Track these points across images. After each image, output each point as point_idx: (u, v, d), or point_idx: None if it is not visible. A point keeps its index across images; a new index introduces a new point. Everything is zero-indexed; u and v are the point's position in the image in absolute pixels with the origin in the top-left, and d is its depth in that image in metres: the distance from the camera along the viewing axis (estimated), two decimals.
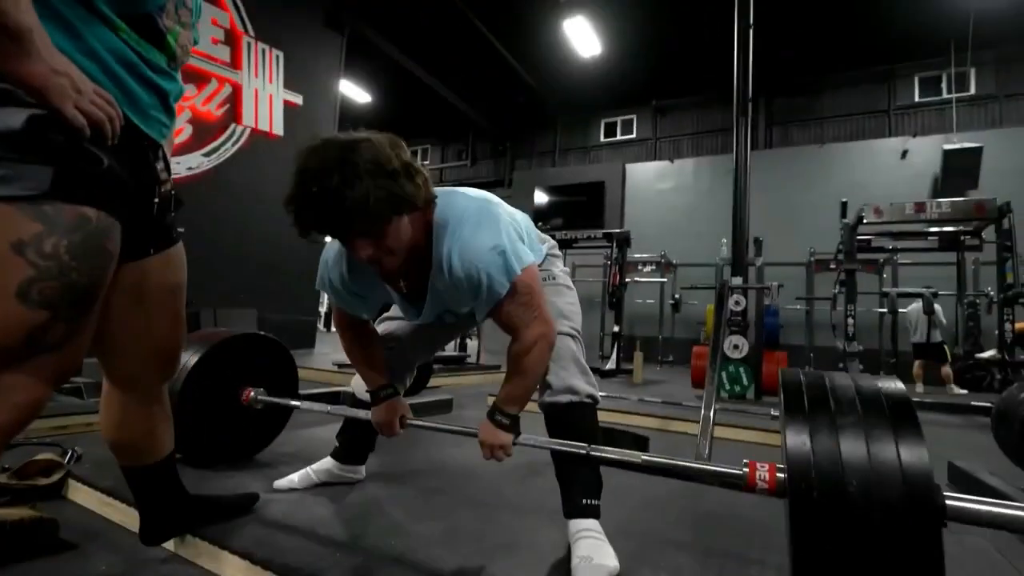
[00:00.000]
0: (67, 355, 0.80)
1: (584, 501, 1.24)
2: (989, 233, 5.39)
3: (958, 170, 8.05)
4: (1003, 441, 2.04)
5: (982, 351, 6.48)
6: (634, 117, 12.28)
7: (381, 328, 1.58)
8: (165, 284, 1.01)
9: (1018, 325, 4.95)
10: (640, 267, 9.49)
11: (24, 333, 0.74)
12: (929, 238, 6.23)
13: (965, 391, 6.09)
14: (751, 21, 5.35)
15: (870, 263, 7.86)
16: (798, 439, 0.79)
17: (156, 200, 0.93)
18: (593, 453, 1.15)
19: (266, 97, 7.30)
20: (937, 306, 6.36)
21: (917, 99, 9.85)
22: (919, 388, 6.27)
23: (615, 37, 9.28)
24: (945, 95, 9.38)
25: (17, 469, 1.52)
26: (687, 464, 1.09)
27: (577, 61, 9.78)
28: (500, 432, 1.21)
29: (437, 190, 1.19)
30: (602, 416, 1.35)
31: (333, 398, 2.83)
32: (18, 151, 0.71)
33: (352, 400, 1.64)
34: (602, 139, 12.68)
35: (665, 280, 9.67)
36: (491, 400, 1.28)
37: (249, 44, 7.10)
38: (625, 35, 9.31)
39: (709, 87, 10.22)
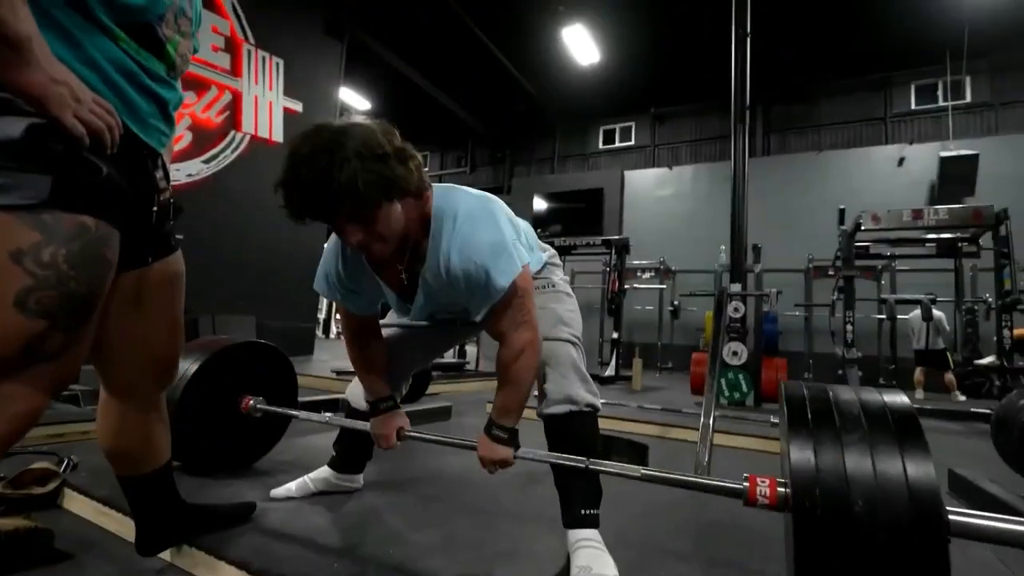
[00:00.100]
0: (65, 364, 0.80)
1: (583, 512, 1.23)
2: (986, 240, 5.41)
3: (955, 177, 8.09)
4: (1002, 448, 2.04)
5: (981, 357, 6.49)
6: (633, 124, 12.34)
7: None
8: (163, 292, 1.01)
9: (1016, 331, 4.95)
10: (639, 274, 9.49)
11: (22, 342, 0.73)
12: (927, 245, 6.25)
13: (964, 398, 6.09)
14: (748, 30, 5.39)
15: (868, 270, 7.88)
16: (802, 455, 0.77)
17: (155, 208, 0.93)
18: (592, 467, 1.14)
19: (266, 104, 7.33)
20: (940, 313, 6.37)
21: (913, 107, 9.91)
22: (919, 395, 6.26)
23: (613, 45, 9.35)
24: (941, 103, 9.44)
25: (12, 478, 1.50)
26: (687, 478, 1.08)
27: (576, 69, 9.84)
28: (499, 447, 1.20)
29: (436, 186, 1.20)
30: (602, 423, 1.35)
31: (332, 405, 2.83)
32: (17, 160, 0.71)
33: (348, 409, 1.64)
34: (601, 146, 12.73)
35: (664, 287, 9.67)
36: (490, 407, 1.27)
37: (249, 51, 7.13)
38: (623, 43, 9.37)
39: (707, 95, 10.28)
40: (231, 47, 6.94)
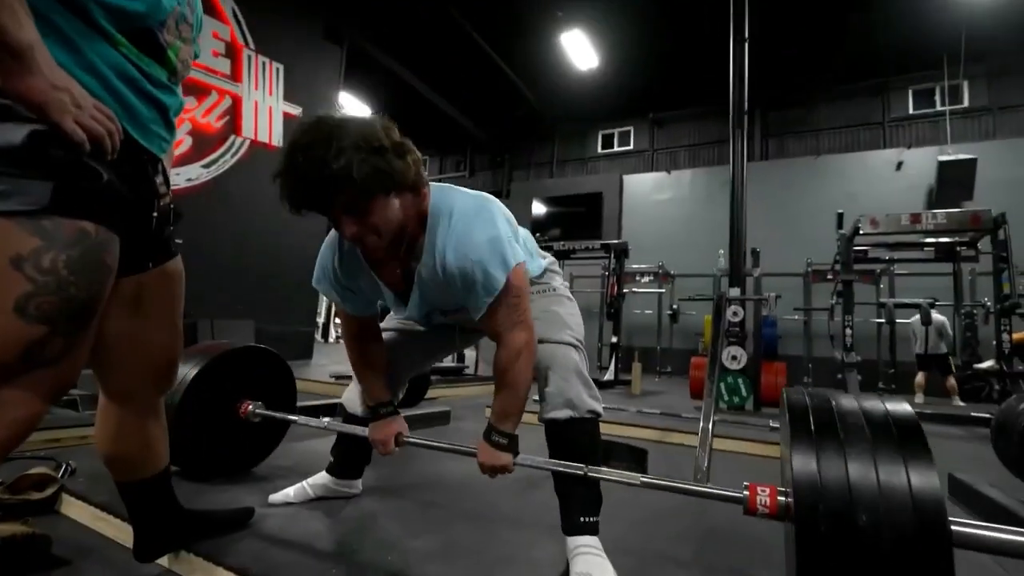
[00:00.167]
0: (64, 370, 0.80)
1: (583, 519, 1.23)
2: (985, 244, 5.42)
3: (953, 181, 8.12)
4: (1002, 452, 2.04)
5: (980, 361, 6.49)
6: (631, 129, 12.37)
7: None
8: (163, 297, 1.01)
9: (1016, 335, 4.95)
10: (638, 278, 9.50)
11: (22, 348, 0.73)
12: (925, 249, 6.26)
13: (963, 403, 6.09)
14: (746, 35, 5.42)
15: (867, 274, 7.89)
16: (804, 464, 0.76)
17: (155, 214, 0.94)
18: (591, 474, 1.13)
19: (266, 109, 7.34)
20: (943, 317, 6.37)
21: (911, 111, 9.94)
22: (919, 399, 6.27)
23: (612, 50, 9.38)
24: (939, 107, 9.48)
25: (10, 483, 1.50)
26: (686, 486, 1.08)
27: (575, 74, 9.88)
28: (499, 453, 1.20)
29: (434, 185, 1.20)
30: (601, 428, 1.34)
31: (330, 410, 2.81)
32: (18, 166, 0.71)
33: (344, 414, 1.63)
34: (599, 150, 12.76)
35: (663, 291, 9.68)
36: (489, 412, 1.27)
37: (249, 57, 7.15)
38: (622, 48, 9.41)
39: (705, 99, 10.31)
40: (231, 52, 6.96)
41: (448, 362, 6.18)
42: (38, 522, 1.32)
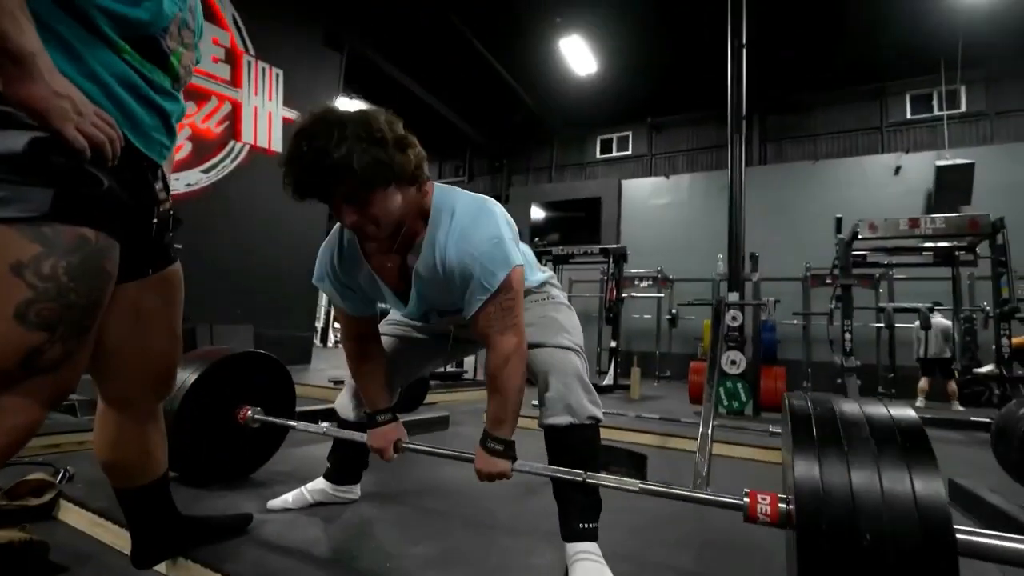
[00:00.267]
0: (64, 376, 0.80)
1: (582, 525, 1.22)
2: (983, 248, 5.43)
3: (951, 186, 8.13)
4: (1003, 457, 2.03)
5: (980, 366, 6.49)
6: (630, 134, 12.40)
7: None
8: (162, 303, 1.01)
9: (1015, 340, 4.95)
10: (637, 282, 9.51)
11: (21, 355, 0.73)
12: (924, 253, 6.27)
13: (962, 408, 6.09)
14: (744, 40, 5.44)
15: (866, 278, 7.89)
16: (806, 471, 0.75)
17: (155, 220, 0.94)
18: (590, 481, 1.13)
19: (265, 114, 7.36)
20: (946, 321, 6.37)
21: (909, 116, 9.98)
22: (919, 403, 6.28)
23: (610, 56, 9.42)
24: (936, 112, 9.51)
25: (8, 489, 1.49)
26: (686, 493, 1.07)
27: (573, 79, 9.92)
28: (495, 460, 1.19)
29: (438, 185, 1.21)
30: (600, 433, 1.34)
31: (329, 415, 2.81)
32: (19, 173, 0.71)
33: (338, 420, 1.63)
34: (598, 155, 12.79)
35: (662, 295, 9.68)
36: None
37: (249, 63, 7.18)
38: (620, 54, 9.45)
39: (703, 104, 10.36)
40: (231, 58, 6.98)
41: (447, 367, 6.17)
42: (36, 528, 1.31)
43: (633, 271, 9.15)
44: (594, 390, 1.30)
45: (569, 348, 1.29)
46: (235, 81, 7.01)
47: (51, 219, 0.73)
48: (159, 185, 0.95)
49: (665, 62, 9.71)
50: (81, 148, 0.73)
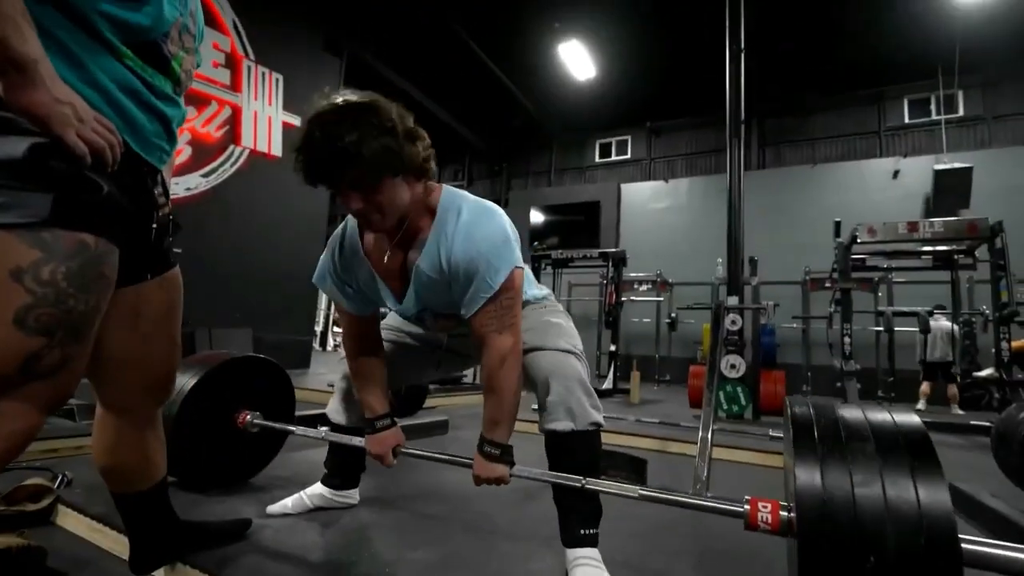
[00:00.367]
0: (62, 382, 0.79)
1: (583, 531, 1.22)
2: (982, 252, 5.43)
3: (949, 190, 8.15)
4: (1003, 462, 2.03)
5: (979, 369, 6.48)
6: (629, 138, 12.43)
7: None
8: (162, 308, 1.01)
9: (1015, 343, 4.95)
10: (636, 286, 9.50)
11: (20, 360, 0.73)
12: (923, 257, 6.27)
13: (962, 412, 6.08)
14: (742, 45, 5.46)
15: (865, 282, 7.89)
16: (808, 479, 0.73)
17: (154, 225, 0.94)
18: (588, 486, 1.12)
19: (265, 119, 7.38)
20: (947, 323, 6.37)
21: (907, 120, 10.01)
22: (920, 405, 6.28)
23: (609, 60, 9.45)
24: (934, 116, 9.55)
25: (6, 494, 1.49)
26: (686, 499, 1.07)
27: (572, 83, 9.94)
28: (493, 465, 1.19)
29: (445, 186, 1.23)
30: (601, 438, 1.34)
31: (328, 420, 2.80)
32: (19, 179, 0.71)
33: (331, 425, 1.63)
34: (597, 159, 12.81)
35: (661, 299, 9.68)
36: None
37: (249, 67, 7.20)
38: (619, 58, 9.48)
39: (702, 109, 10.37)
40: (231, 63, 7.00)
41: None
42: (34, 534, 1.31)
43: (632, 275, 9.15)
44: (595, 394, 1.29)
45: (570, 351, 1.28)
46: (235, 86, 7.02)
47: (51, 225, 0.73)
48: (159, 190, 0.95)
49: (664, 67, 9.75)
50: (82, 154, 0.73)
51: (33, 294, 0.73)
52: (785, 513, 0.88)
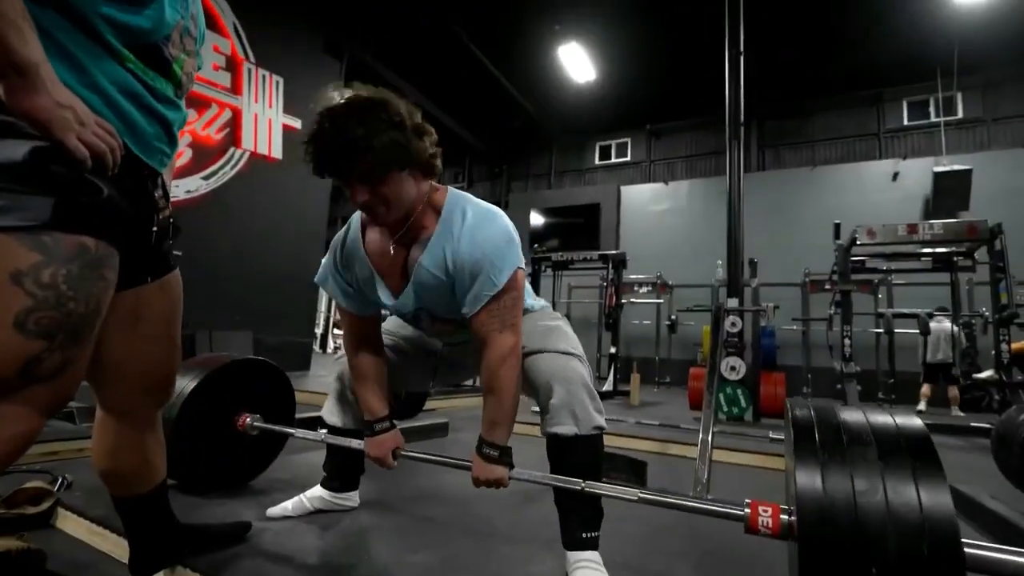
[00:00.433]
0: (62, 384, 0.79)
1: (584, 534, 1.21)
2: (982, 254, 5.43)
3: (949, 192, 8.16)
4: (1003, 464, 2.03)
5: (979, 371, 6.48)
6: (628, 140, 12.45)
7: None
8: (161, 311, 1.01)
9: (1014, 345, 4.95)
10: (636, 288, 9.51)
11: (20, 363, 0.73)
12: (922, 259, 6.28)
13: (962, 413, 6.08)
14: (742, 48, 5.48)
15: (865, 284, 7.89)
16: (809, 482, 0.73)
17: (154, 228, 0.94)
18: (588, 489, 1.12)
19: (265, 121, 7.38)
20: (948, 325, 6.37)
21: (906, 122, 10.03)
22: (921, 406, 6.28)
23: (609, 63, 9.47)
24: (933, 118, 9.56)
25: (5, 498, 1.49)
26: (685, 502, 1.06)
27: (572, 86, 9.96)
28: (493, 466, 1.19)
29: (450, 188, 1.25)
30: (604, 442, 1.33)
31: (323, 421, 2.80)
32: (20, 182, 0.71)
33: (327, 427, 1.63)
34: (597, 162, 12.83)
35: (661, 301, 9.68)
36: None
37: (250, 70, 7.21)
38: (619, 61, 9.50)
39: (702, 111, 10.39)
40: (232, 66, 7.01)
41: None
42: (33, 537, 1.31)
43: (632, 277, 9.15)
44: (598, 397, 1.28)
45: (572, 354, 1.28)
46: (235, 88, 7.03)
47: (51, 228, 0.73)
48: (159, 193, 0.95)
49: (663, 69, 9.76)
50: (82, 158, 0.73)
51: (33, 297, 0.73)
52: (786, 517, 0.87)
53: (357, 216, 1.33)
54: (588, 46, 8.83)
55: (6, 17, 0.65)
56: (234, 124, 7.01)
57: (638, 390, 6.22)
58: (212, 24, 6.69)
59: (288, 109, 7.63)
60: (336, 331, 14.52)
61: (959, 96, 9.42)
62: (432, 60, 9.68)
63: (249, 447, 1.78)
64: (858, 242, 5.12)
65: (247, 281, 6.88)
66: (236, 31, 7.07)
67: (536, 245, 10.63)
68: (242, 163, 7.09)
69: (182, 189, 6.38)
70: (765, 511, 0.89)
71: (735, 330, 5.05)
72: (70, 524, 1.51)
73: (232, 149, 6.99)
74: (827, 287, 7.14)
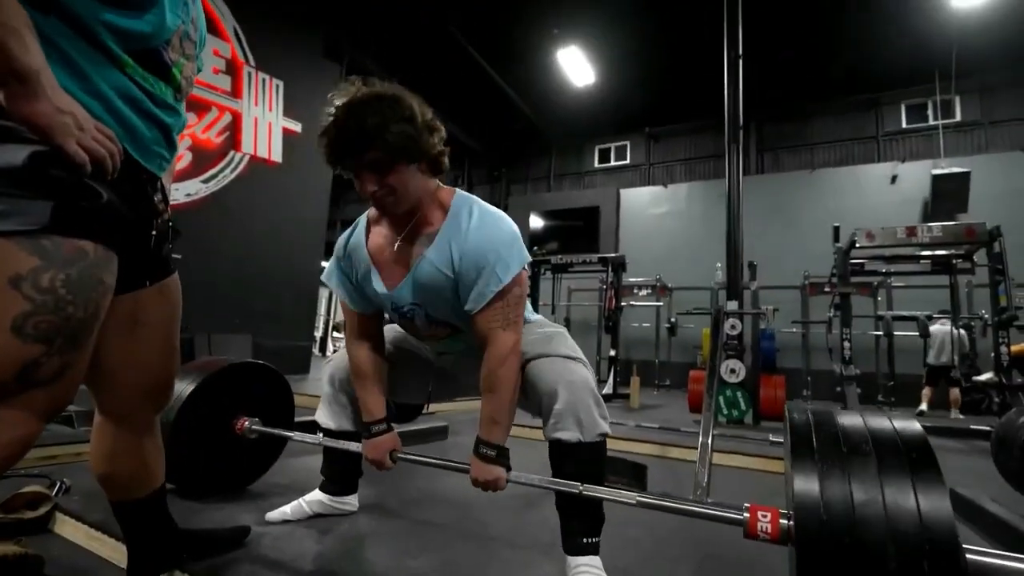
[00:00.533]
0: (61, 389, 0.79)
1: (585, 540, 1.21)
2: (981, 256, 5.44)
3: (947, 194, 8.18)
4: (1003, 466, 2.03)
5: (979, 374, 6.48)
6: (627, 143, 12.48)
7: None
8: (160, 315, 1.01)
9: (1014, 348, 4.95)
10: (636, 291, 9.51)
11: (18, 368, 0.73)
12: (922, 261, 6.29)
13: (962, 416, 6.08)
14: (740, 51, 5.49)
15: (864, 286, 7.90)
16: (807, 487, 0.72)
17: (154, 232, 0.94)
18: (586, 493, 1.11)
19: (265, 125, 7.40)
20: (946, 327, 6.38)
21: (904, 125, 10.06)
22: (923, 407, 6.28)
23: (608, 66, 9.50)
24: (932, 122, 9.59)
25: (3, 502, 1.48)
26: (685, 506, 1.05)
27: (571, 89, 9.99)
28: (490, 467, 1.18)
29: (457, 190, 1.28)
30: (607, 447, 1.33)
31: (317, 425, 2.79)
32: (19, 187, 0.71)
33: (323, 431, 1.62)
34: (596, 164, 12.86)
35: (661, 304, 9.68)
36: None
37: (250, 74, 7.22)
38: (618, 64, 9.53)
39: (701, 114, 10.43)
40: (232, 69, 7.03)
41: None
42: (31, 542, 1.30)
43: (632, 280, 9.16)
44: (603, 401, 1.26)
45: (578, 359, 1.27)
46: (235, 92, 7.05)
47: (50, 232, 0.73)
48: (158, 197, 0.95)
49: (662, 72, 9.80)
50: (82, 162, 0.73)
51: (32, 301, 0.72)
52: (785, 521, 0.87)
53: (364, 216, 1.37)
54: (587, 49, 8.85)
55: (7, 26, 0.65)
56: (234, 127, 7.02)
57: (638, 393, 6.22)
58: (212, 28, 6.71)
59: (288, 112, 7.65)
60: (336, 334, 14.51)
61: (957, 99, 9.45)
62: (431, 64, 9.71)
63: (248, 451, 1.77)
64: (857, 245, 5.13)
65: (246, 284, 6.88)
66: (236, 35, 7.09)
67: (536, 248, 10.63)
68: (242, 166, 7.10)
69: (182, 192, 6.38)
70: (764, 516, 0.88)
71: (735, 333, 5.05)
72: (68, 529, 1.50)
73: (232, 152, 7.01)
74: (826, 290, 7.15)
